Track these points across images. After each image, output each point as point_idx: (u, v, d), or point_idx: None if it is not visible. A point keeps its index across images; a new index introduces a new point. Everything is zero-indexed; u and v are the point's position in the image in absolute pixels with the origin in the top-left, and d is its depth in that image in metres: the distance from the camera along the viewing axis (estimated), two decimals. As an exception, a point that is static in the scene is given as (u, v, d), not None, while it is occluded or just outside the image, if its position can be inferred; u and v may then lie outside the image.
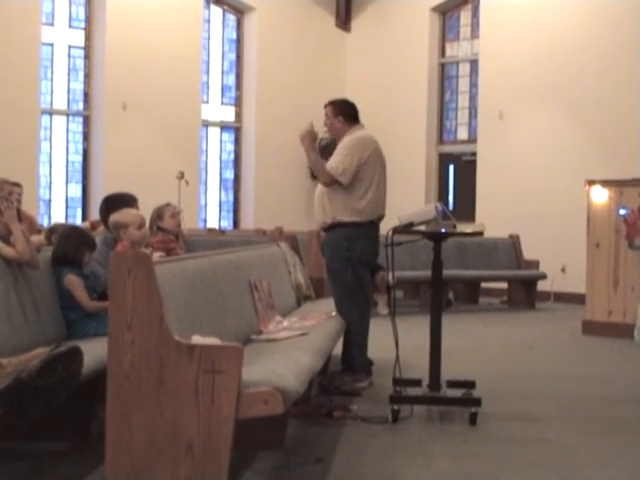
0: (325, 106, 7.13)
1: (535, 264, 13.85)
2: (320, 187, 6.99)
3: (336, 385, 6.60)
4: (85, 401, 4.96)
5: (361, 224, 6.74)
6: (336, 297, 6.98)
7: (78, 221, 14.53)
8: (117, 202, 6.71)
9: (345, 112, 7.01)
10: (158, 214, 7.86)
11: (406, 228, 6.10)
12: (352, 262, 6.80)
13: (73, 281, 5.54)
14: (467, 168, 16.44)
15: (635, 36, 14.14)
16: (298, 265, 7.92)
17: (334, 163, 6.69)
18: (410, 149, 16.76)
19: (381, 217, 6.93)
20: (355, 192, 6.73)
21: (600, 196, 10.35)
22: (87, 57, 15.30)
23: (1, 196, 6.46)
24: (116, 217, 6.34)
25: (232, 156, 17.26)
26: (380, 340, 7.28)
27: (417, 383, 6.14)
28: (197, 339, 4.08)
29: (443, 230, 6.15)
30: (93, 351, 4.60)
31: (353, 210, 6.74)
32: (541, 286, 13.89)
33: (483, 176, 15.85)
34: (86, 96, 15.35)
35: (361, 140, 6.84)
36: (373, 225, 6.85)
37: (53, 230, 6.99)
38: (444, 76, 17.23)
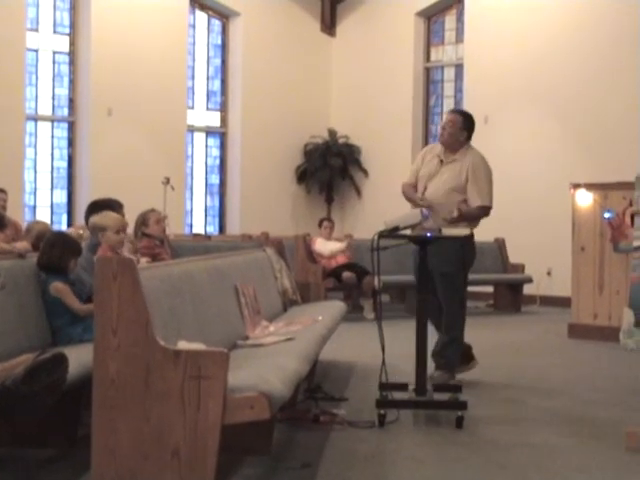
0: (453, 112, 7.61)
1: (521, 268, 13.89)
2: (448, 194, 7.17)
3: (439, 383, 6.61)
4: (71, 407, 4.95)
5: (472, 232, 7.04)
6: (447, 298, 7.17)
7: (64, 227, 14.49)
8: (102, 208, 6.69)
9: (470, 130, 7.35)
10: (143, 220, 7.86)
11: (392, 232, 6.11)
12: (465, 267, 7.21)
13: (60, 288, 5.51)
14: (452, 172, 16.44)
15: (621, 41, 14.21)
16: (284, 270, 7.92)
17: (487, 197, 7.26)
18: (395, 153, 16.79)
19: None
20: None
21: (585, 199, 10.39)
22: (72, 63, 15.28)
23: None
24: (95, 220, 6.33)
25: (218, 161, 17.26)
26: (366, 345, 7.28)
27: (403, 387, 6.15)
28: (183, 344, 4.08)
29: (428, 234, 6.18)
30: (79, 357, 4.59)
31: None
32: (527, 289, 13.93)
33: (468, 180, 15.85)
34: (71, 102, 15.33)
35: (487, 163, 7.36)
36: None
37: (40, 237, 6.96)
38: (429, 80, 17.27)
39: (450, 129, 7.24)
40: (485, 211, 7.23)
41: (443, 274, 7.13)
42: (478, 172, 7.18)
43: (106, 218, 6.31)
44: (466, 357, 7.45)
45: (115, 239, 6.20)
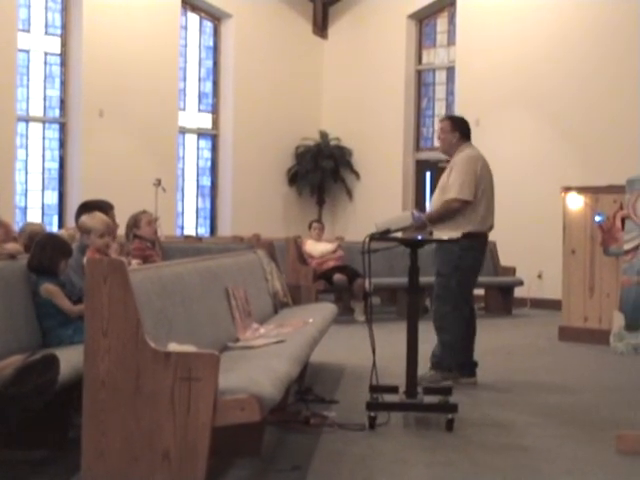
0: (441, 120, 7.68)
1: (512, 270, 13.90)
2: (437, 197, 7.30)
3: (426, 384, 6.60)
4: (62, 409, 4.94)
5: (473, 235, 7.02)
6: (438, 299, 7.28)
7: (55, 228, 14.46)
8: (93, 209, 6.67)
9: (462, 129, 7.41)
10: (134, 222, 7.85)
11: (383, 235, 6.11)
12: (461, 270, 7.12)
13: (51, 290, 5.49)
14: (444, 175, 16.46)
15: (615, 44, 14.22)
16: (275, 272, 7.91)
17: (458, 189, 7.10)
18: (387, 156, 16.81)
19: (491, 227, 7.38)
20: (469, 206, 7.16)
21: (576, 203, 10.40)
22: (63, 64, 15.25)
23: None
24: (82, 220, 6.32)
25: (209, 163, 17.24)
26: (357, 347, 7.28)
27: (394, 390, 6.14)
28: (173, 346, 4.07)
29: (419, 237, 6.19)
30: (69, 358, 4.58)
31: (467, 222, 7.10)
32: (518, 292, 13.95)
33: (460, 183, 15.85)
34: (62, 103, 15.29)
35: (471, 158, 7.27)
36: (484, 236, 7.28)
37: (32, 238, 6.93)
38: (421, 83, 17.28)
39: (442, 136, 7.42)
40: (451, 203, 7.15)
41: (438, 275, 7.24)
42: (456, 167, 7.23)
43: (92, 220, 6.28)
44: (471, 370, 7.48)
45: (98, 243, 6.16)
